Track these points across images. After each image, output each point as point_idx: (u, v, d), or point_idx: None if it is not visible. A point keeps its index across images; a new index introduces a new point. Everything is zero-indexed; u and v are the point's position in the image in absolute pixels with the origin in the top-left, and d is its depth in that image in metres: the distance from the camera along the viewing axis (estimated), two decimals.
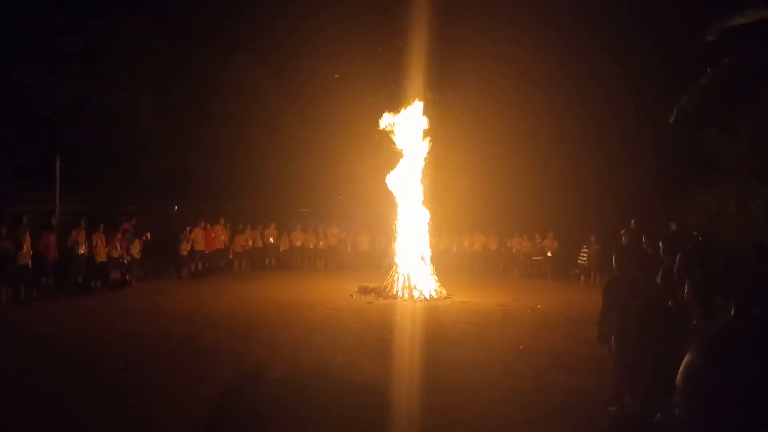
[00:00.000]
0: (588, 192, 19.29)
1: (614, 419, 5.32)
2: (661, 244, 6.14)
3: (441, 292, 13.27)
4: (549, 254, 17.99)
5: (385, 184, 13.96)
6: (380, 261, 17.22)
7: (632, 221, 12.60)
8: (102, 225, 13.08)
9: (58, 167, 13.26)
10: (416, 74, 13.41)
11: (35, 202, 14.20)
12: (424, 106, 13.83)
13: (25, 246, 11.01)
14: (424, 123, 13.88)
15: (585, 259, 17.04)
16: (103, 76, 15.53)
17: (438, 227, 16.55)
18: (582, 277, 16.94)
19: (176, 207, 20.12)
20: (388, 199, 14.14)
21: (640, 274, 5.65)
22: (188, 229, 15.74)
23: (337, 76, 15.53)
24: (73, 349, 7.81)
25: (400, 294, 13.07)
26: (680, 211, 14.04)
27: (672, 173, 17.40)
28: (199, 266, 16.15)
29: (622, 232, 12.20)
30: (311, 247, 19.56)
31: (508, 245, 18.99)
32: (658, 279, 4.82)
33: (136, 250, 13.86)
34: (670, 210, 14.24)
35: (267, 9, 18.91)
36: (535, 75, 18.63)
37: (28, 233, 11.18)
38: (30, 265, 11.24)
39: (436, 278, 13.61)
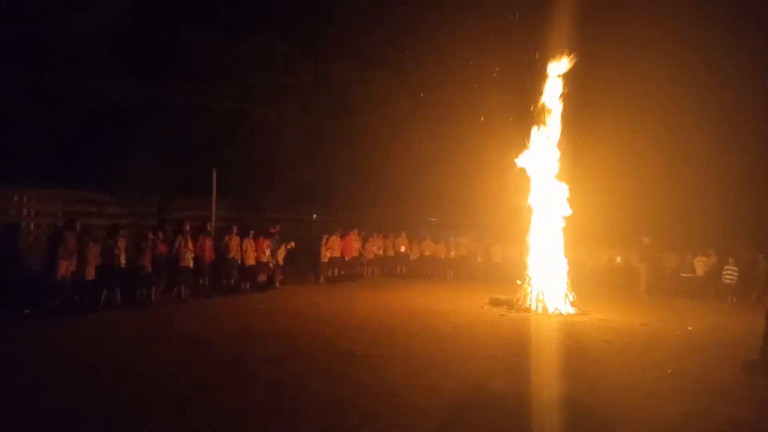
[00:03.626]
0: (740, 205, 17.60)
1: None
2: None
3: (577, 308, 12.72)
4: (700, 272, 16.68)
5: (519, 196, 13.70)
6: (514, 273, 16.86)
7: None
8: (252, 231, 14.16)
9: (215, 177, 14.55)
10: (554, 84, 13.08)
11: (193, 209, 15.68)
12: (563, 114, 13.42)
13: (188, 250, 12.21)
14: (559, 132, 13.48)
15: (731, 277, 15.72)
16: (252, 93, 16.81)
17: (574, 240, 15.97)
18: (731, 297, 15.60)
19: (314, 215, 21.21)
20: (522, 211, 13.83)
21: None
22: (326, 237, 16.54)
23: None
24: (225, 344, 8.51)
25: (533, 308, 12.71)
26: None
27: None
28: (336, 272, 16.87)
29: None
30: (441, 257, 19.67)
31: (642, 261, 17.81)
32: None
33: (280, 256, 14.85)
34: None
35: (403, 24, 19.44)
36: (691, 79, 17.32)
37: (190, 238, 12.39)
38: (191, 266, 12.42)
39: (572, 293, 13.07)
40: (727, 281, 15.96)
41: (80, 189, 14.39)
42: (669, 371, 7.66)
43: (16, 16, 12.39)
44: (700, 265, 16.78)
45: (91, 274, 10.61)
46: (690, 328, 11.28)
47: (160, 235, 12.12)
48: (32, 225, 13.09)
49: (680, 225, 18.00)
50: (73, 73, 13.29)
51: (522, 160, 13.52)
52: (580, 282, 14.55)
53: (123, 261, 11.15)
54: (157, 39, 15.89)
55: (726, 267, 15.99)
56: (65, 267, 10.20)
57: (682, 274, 17.09)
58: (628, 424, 5.65)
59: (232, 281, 13.66)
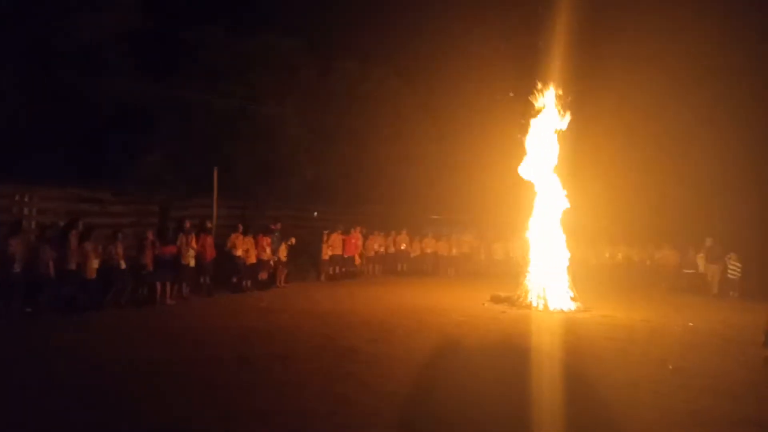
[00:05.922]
0: (742, 201, 17.57)
1: None
2: None
3: (579, 305, 12.73)
4: (702, 268, 16.67)
5: (521, 192, 13.70)
6: (515, 270, 16.86)
7: None
8: (251, 229, 14.19)
9: (216, 176, 14.58)
10: (555, 77, 13.06)
11: (196, 207, 15.69)
12: (562, 110, 13.40)
13: (189, 248, 12.22)
14: (561, 126, 13.46)
15: (734, 272, 15.74)
16: (255, 91, 16.79)
17: (575, 236, 15.98)
18: (733, 293, 15.63)
19: (315, 213, 21.23)
20: (523, 207, 13.83)
21: None
22: (326, 233, 16.57)
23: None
24: (228, 343, 8.53)
25: (534, 304, 12.72)
26: None
27: None
28: (337, 270, 16.90)
29: None
30: (443, 254, 19.68)
31: (648, 257, 17.86)
32: None
33: (282, 253, 14.88)
34: None
35: (406, 23, 19.46)
36: (688, 73, 17.21)
37: (193, 236, 12.40)
38: (192, 264, 12.43)
39: (574, 289, 13.07)
40: (730, 276, 15.96)
41: (85, 187, 14.41)
42: (670, 367, 7.68)
43: (21, 17, 12.43)
44: (702, 261, 16.76)
45: (92, 272, 10.64)
46: (691, 323, 11.29)
47: (163, 234, 12.13)
48: (33, 223, 13.13)
49: (680, 221, 17.98)
50: (79, 73, 13.31)
51: (522, 168, 13.47)
52: (583, 279, 14.57)
53: (123, 264, 11.17)
54: (162, 38, 15.88)
55: (730, 262, 15.98)
56: (65, 265, 10.25)
57: (685, 270, 17.09)
58: (631, 422, 5.65)
59: (234, 279, 13.69)
